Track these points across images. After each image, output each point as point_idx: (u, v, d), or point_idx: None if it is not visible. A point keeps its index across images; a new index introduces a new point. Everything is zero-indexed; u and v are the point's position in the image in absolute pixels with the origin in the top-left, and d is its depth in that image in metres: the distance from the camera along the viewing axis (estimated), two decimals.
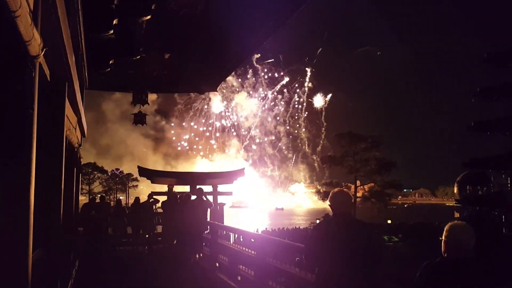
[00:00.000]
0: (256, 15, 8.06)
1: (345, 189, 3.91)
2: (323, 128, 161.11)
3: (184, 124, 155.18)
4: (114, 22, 6.84)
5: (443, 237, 2.73)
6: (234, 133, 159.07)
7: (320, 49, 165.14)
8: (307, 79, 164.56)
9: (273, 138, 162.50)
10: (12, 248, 2.56)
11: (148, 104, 10.56)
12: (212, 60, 10.21)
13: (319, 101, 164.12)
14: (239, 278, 7.94)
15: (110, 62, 8.71)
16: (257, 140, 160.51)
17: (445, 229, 2.75)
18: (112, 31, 6.93)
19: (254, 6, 7.61)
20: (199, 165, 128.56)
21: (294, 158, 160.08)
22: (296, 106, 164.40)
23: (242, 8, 7.82)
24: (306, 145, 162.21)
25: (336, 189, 3.84)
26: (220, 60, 10.26)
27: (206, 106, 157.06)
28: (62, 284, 5.94)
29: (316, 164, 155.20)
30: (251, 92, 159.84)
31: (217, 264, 9.38)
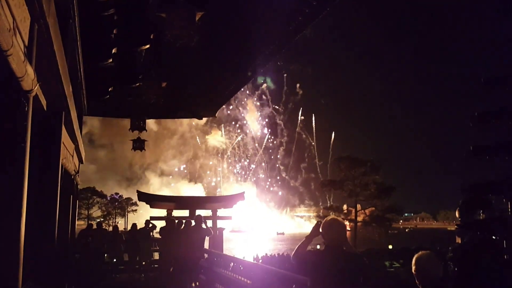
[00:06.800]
0: (254, 43, 8.18)
1: (338, 218, 3.52)
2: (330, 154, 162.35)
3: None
4: (113, 51, 6.93)
5: (413, 271, 2.78)
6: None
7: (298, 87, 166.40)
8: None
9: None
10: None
11: (146, 130, 10.62)
12: (210, 87, 10.30)
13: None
14: None
15: (109, 89, 8.79)
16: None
17: (412, 263, 2.79)
18: (111, 60, 7.02)
19: (253, 32, 7.74)
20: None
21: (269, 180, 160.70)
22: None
23: (240, 37, 7.96)
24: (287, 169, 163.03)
25: (329, 218, 3.43)
26: (218, 86, 10.35)
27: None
28: None
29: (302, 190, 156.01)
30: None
31: None
